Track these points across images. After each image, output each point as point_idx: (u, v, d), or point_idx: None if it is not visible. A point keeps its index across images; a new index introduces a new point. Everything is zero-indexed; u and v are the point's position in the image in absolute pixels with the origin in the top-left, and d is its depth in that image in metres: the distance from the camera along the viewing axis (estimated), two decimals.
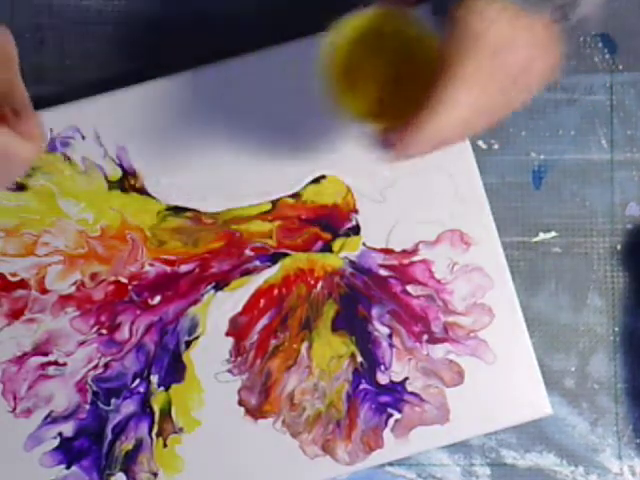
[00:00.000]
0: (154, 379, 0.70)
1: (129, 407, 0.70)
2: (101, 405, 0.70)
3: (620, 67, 0.73)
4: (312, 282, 0.71)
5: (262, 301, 0.71)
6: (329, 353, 0.70)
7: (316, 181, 0.71)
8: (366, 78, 0.60)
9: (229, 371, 0.70)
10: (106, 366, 0.70)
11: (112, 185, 0.71)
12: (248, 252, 0.71)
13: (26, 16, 0.73)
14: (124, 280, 0.71)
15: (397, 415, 0.70)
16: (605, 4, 0.59)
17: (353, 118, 0.60)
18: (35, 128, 0.52)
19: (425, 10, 0.59)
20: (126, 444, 0.70)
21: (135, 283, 0.71)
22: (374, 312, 0.71)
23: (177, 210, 0.71)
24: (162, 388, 0.70)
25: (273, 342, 0.71)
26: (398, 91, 0.60)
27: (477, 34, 0.54)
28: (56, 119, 0.70)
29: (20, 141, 0.51)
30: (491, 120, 0.57)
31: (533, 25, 0.55)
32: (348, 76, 0.60)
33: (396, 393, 0.70)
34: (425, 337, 0.71)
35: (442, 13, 0.56)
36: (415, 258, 0.71)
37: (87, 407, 0.70)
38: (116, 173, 0.71)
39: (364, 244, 0.71)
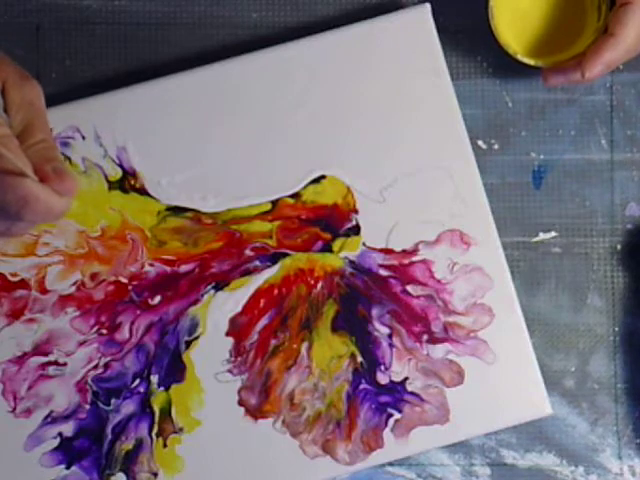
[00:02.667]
0: (154, 379, 0.70)
1: (129, 407, 0.70)
2: (101, 405, 0.70)
3: (620, 67, 0.73)
4: (312, 282, 0.71)
5: (262, 301, 0.71)
6: (329, 353, 0.70)
7: (316, 181, 0.71)
8: (532, 15, 0.70)
9: (229, 371, 0.70)
10: (106, 366, 0.70)
11: (112, 185, 0.71)
12: (248, 252, 0.71)
13: (26, 16, 0.73)
14: (124, 280, 0.71)
15: (397, 415, 0.70)
16: None
17: (521, 56, 0.68)
18: (71, 185, 0.56)
19: None
20: (126, 444, 0.70)
21: (135, 283, 0.71)
22: (374, 312, 0.71)
23: (177, 210, 0.71)
24: (162, 388, 0.70)
25: (273, 342, 0.71)
26: (563, 27, 0.70)
27: None
28: (56, 119, 0.70)
29: (58, 198, 0.55)
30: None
31: None
32: (515, 14, 0.69)
33: (396, 393, 0.70)
34: (425, 337, 0.71)
35: None
36: (415, 258, 0.71)
37: (87, 407, 0.70)
38: (116, 173, 0.71)
39: (364, 244, 0.71)
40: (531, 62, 0.68)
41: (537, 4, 0.70)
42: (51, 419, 0.70)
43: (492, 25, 0.68)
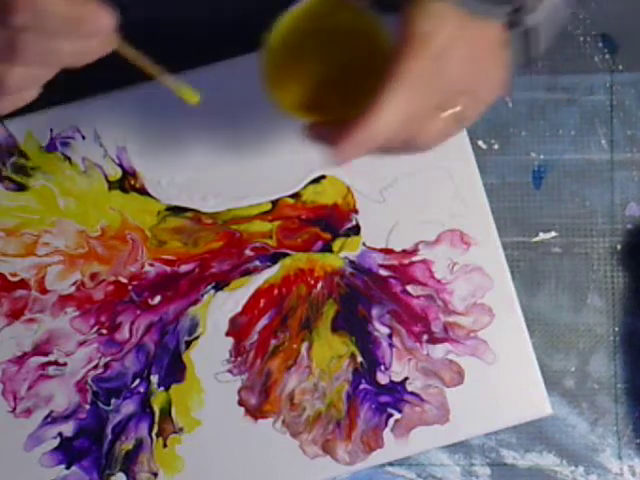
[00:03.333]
0: (154, 379, 0.70)
1: (129, 407, 0.70)
2: (101, 405, 0.70)
3: (620, 67, 0.73)
4: (312, 282, 0.71)
5: (262, 301, 0.71)
6: (329, 353, 0.70)
7: (316, 181, 0.71)
8: (304, 71, 0.58)
9: (229, 371, 0.70)
10: (106, 366, 0.70)
11: (112, 185, 0.71)
12: (248, 252, 0.71)
13: None
14: (124, 280, 0.71)
15: (397, 415, 0.70)
16: (567, 6, 0.58)
17: (286, 112, 0.58)
18: None
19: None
20: (126, 444, 0.70)
21: (135, 283, 0.71)
22: (374, 312, 0.71)
23: (177, 210, 0.71)
24: (162, 388, 0.70)
25: (273, 342, 0.71)
26: (341, 86, 0.57)
27: (424, 35, 0.52)
28: (56, 119, 0.70)
29: (96, 7, 0.47)
30: (435, 130, 0.55)
31: (484, 31, 0.53)
32: (285, 68, 0.57)
33: (396, 393, 0.70)
34: (425, 337, 0.71)
35: (393, 10, 0.54)
36: (415, 258, 0.71)
37: (87, 407, 0.70)
38: (116, 173, 0.71)
39: (364, 244, 0.71)
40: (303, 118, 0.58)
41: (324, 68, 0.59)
42: (51, 419, 0.70)
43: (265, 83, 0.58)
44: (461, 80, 0.54)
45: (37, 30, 0.47)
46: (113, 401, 0.70)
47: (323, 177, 0.71)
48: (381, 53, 0.54)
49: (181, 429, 0.70)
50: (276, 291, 0.71)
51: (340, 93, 0.57)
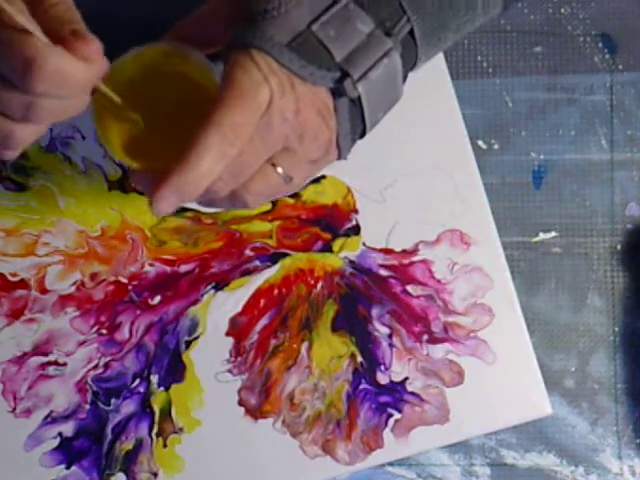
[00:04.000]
0: (154, 379, 0.70)
1: (129, 407, 0.70)
2: (101, 405, 0.70)
3: (620, 67, 0.73)
4: (312, 282, 0.71)
5: (262, 301, 0.71)
6: (329, 353, 0.70)
7: (316, 181, 0.71)
8: (130, 117, 0.56)
9: (229, 371, 0.70)
10: (106, 366, 0.70)
11: (112, 185, 0.71)
12: (248, 252, 0.71)
13: None
14: (124, 280, 0.71)
15: (397, 415, 0.70)
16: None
17: (115, 156, 0.57)
18: (94, 48, 0.49)
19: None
20: (126, 444, 0.70)
21: (135, 283, 0.71)
22: (374, 312, 0.71)
23: (177, 210, 0.71)
24: (162, 388, 0.70)
25: (273, 342, 0.71)
26: (168, 134, 0.56)
27: (246, 90, 0.51)
28: None
29: (75, 61, 0.48)
30: (263, 186, 0.55)
31: (312, 91, 0.53)
32: (113, 113, 0.56)
33: (396, 393, 0.70)
34: (425, 337, 0.71)
35: (223, 60, 0.53)
36: (415, 258, 0.71)
37: (87, 407, 0.70)
38: (116, 173, 0.71)
39: (364, 244, 0.71)
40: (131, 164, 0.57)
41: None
42: (51, 419, 0.70)
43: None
44: (283, 136, 0.53)
45: (56, 95, 0.49)
46: (113, 401, 0.70)
47: (323, 177, 0.71)
48: (210, 102, 0.53)
49: (181, 429, 0.70)
50: (276, 291, 0.71)
51: (166, 141, 0.55)
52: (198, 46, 0.57)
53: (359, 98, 0.55)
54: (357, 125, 0.57)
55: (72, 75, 0.48)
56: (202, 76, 0.56)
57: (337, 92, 0.54)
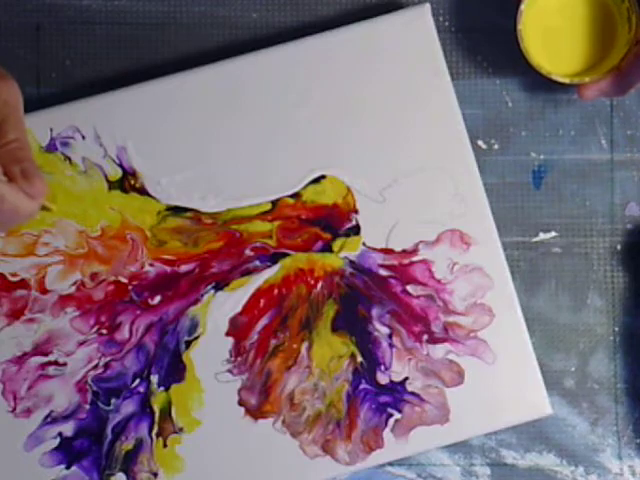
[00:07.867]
0: (154, 379, 0.70)
1: (129, 407, 0.70)
2: (101, 405, 0.70)
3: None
4: (312, 282, 0.71)
5: (262, 301, 0.71)
6: (329, 353, 0.70)
7: (316, 181, 0.71)
8: (562, 33, 0.70)
9: (229, 371, 0.70)
10: (106, 366, 0.70)
11: (112, 185, 0.71)
12: (248, 252, 0.71)
13: (26, 16, 0.73)
14: (124, 280, 0.71)
15: (397, 415, 0.70)
16: None
17: (556, 75, 0.67)
18: (39, 188, 0.56)
19: None
20: (126, 444, 0.70)
21: (135, 283, 0.71)
22: (374, 312, 0.71)
23: (177, 210, 0.71)
24: (162, 388, 0.70)
25: (273, 342, 0.71)
26: (593, 41, 0.70)
27: None
28: (56, 119, 0.70)
29: (27, 200, 0.55)
30: None
31: None
32: (544, 34, 0.69)
33: (396, 393, 0.70)
34: (425, 337, 0.71)
35: None
36: (415, 258, 0.71)
37: (87, 407, 0.70)
38: (116, 173, 0.71)
39: (364, 244, 0.71)
40: (566, 81, 0.68)
41: (566, 22, 0.69)
42: (51, 419, 0.70)
43: (522, 47, 0.67)
44: None
45: (6, 222, 0.56)
46: (113, 401, 0.70)
47: (323, 177, 0.71)
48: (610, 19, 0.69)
49: (181, 429, 0.70)
50: (276, 291, 0.71)
51: (595, 49, 0.70)
52: None
53: None
54: None
55: (22, 209, 0.55)
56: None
57: None
